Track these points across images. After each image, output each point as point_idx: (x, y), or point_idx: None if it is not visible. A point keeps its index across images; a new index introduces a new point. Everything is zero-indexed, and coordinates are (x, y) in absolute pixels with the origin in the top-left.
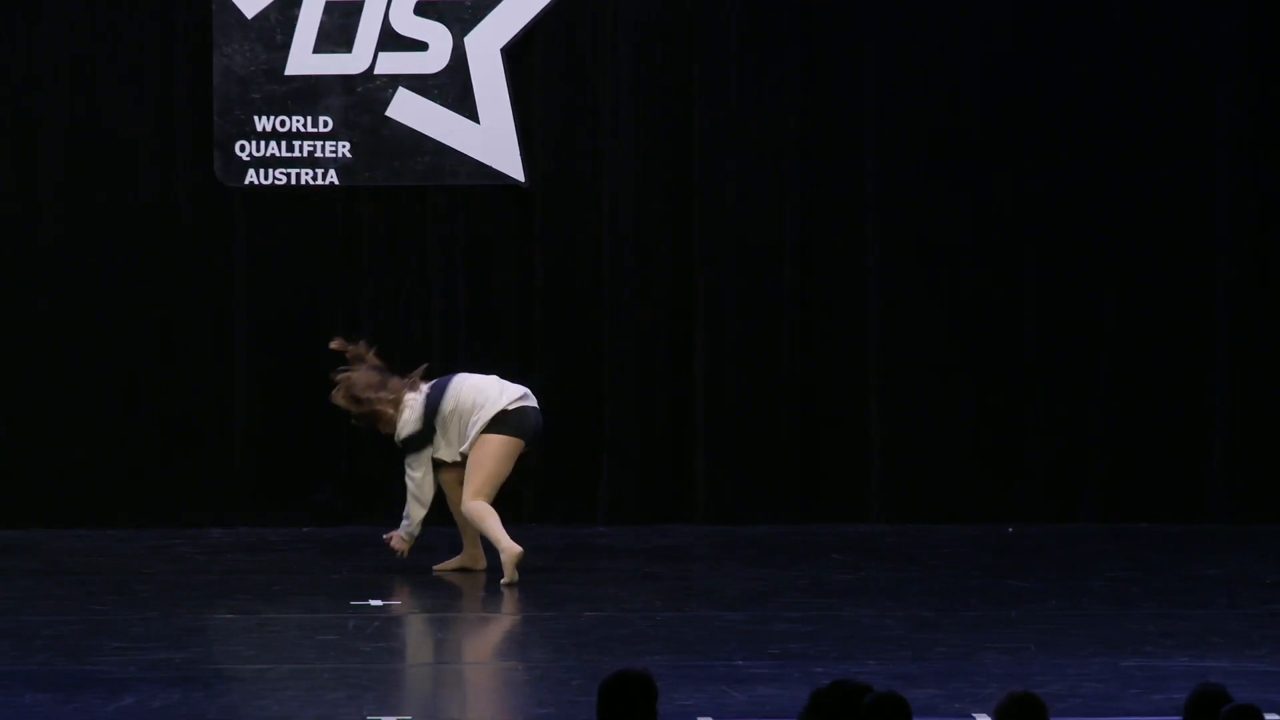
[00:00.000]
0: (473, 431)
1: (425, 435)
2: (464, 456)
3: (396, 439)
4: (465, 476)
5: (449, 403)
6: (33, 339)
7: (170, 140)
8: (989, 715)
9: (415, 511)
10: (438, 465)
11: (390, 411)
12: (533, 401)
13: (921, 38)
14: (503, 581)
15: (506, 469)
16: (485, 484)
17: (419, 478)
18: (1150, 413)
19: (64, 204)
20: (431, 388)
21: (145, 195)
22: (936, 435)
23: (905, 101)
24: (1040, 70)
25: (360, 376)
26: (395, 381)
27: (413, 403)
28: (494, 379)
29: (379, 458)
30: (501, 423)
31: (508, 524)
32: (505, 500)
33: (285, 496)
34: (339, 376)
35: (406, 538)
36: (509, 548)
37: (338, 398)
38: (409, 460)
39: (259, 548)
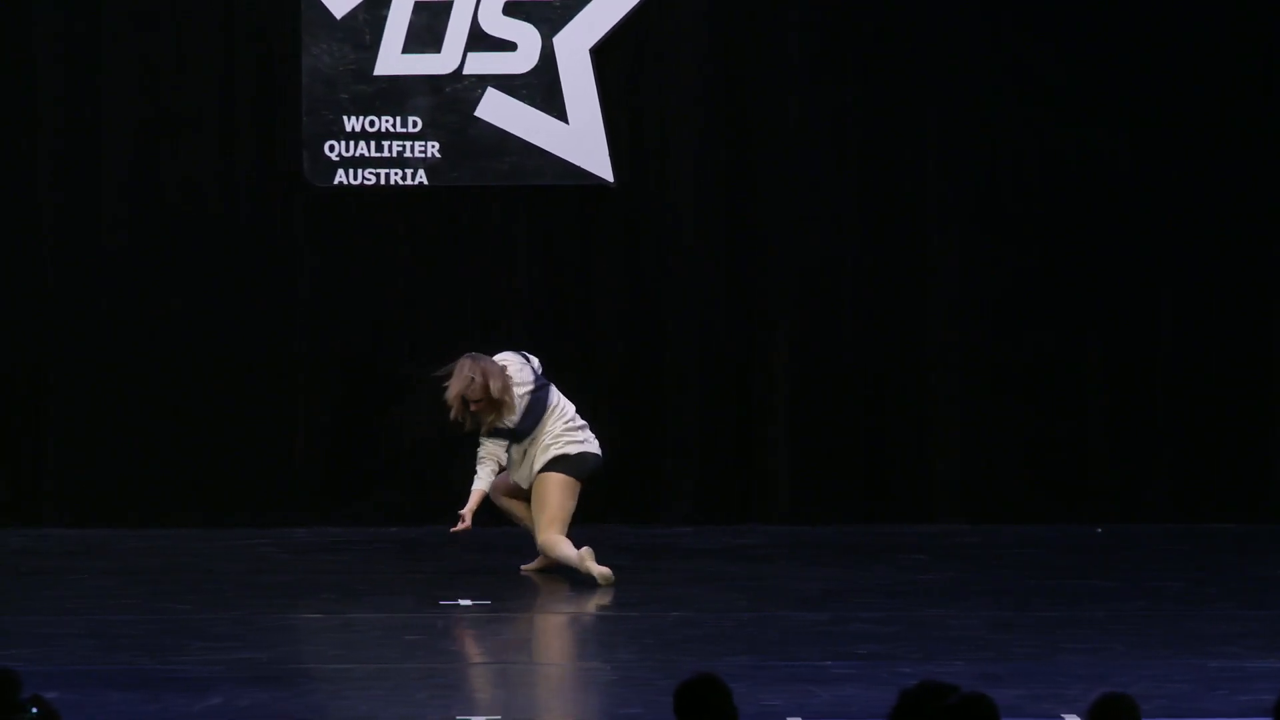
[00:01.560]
0: (537, 466)
1: (524, 432)
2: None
3: (501, 425)
4: (534, 513)
5: (550, 414)
6: (109, 340)
7: (257, 139)
8: (1077, 716)
9: (483, 474)
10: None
11: (510, 403)
12: (594, 445)
13: (984, 51)
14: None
15: (571, 504)
16: (555, 519)
17: (496, 450)
18: (1222, 412)
19: (147, 203)
20: (534, 393)
21: (230, 194)
22: (1007, 435)
23: (968, 107)
24: (1094, 79)
25: (490, 367)
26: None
27: (521, 399)
28: (571, 407)
29: (448, 453)
30: (562, 462)
31: (586, 524)
32: (588, 498)
33: (362, 495)
34: (470, 368)
35: (468, 513)
36: (597, 571)
37: (471, 388)
38: (494, 439)
39: (340, 547)
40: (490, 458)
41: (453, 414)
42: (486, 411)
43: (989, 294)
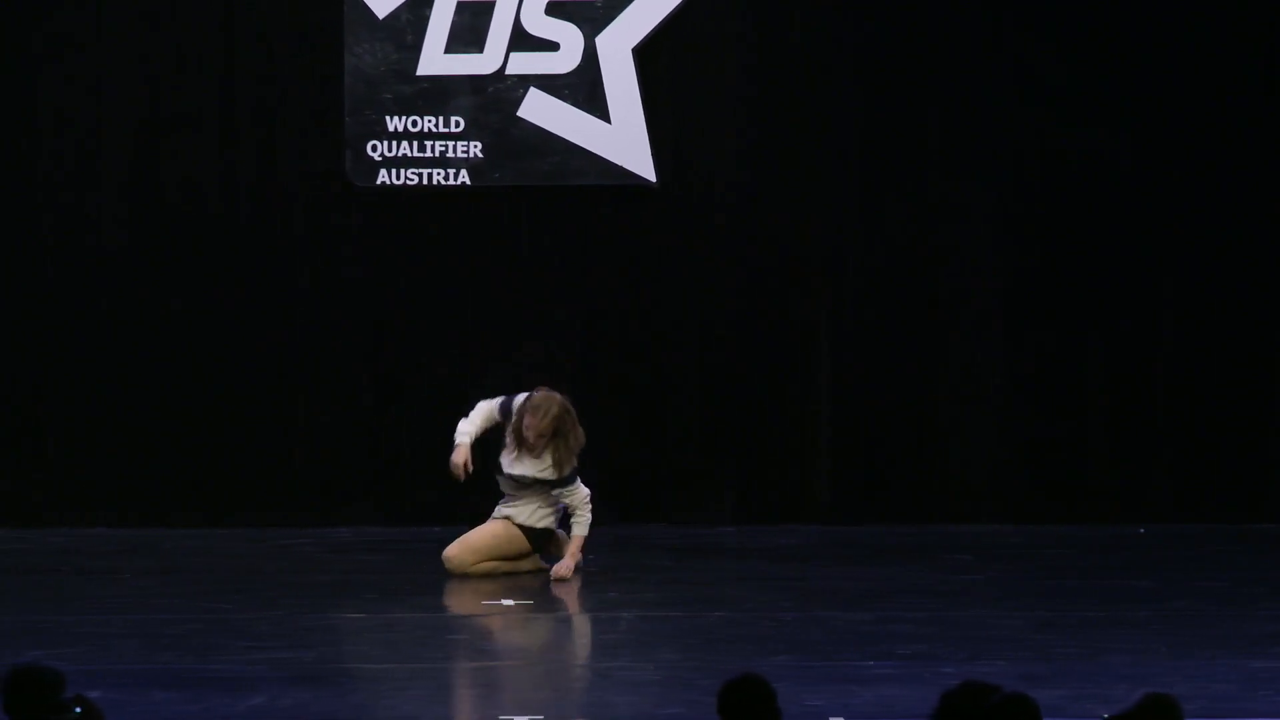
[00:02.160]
0: (529, 522)
1: (547, 486)
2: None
3: (559, 473)
4: (493, 541)
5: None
6: (154, 340)
7: (299, 139)
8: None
9: (470, 429)
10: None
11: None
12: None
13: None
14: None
15: (499, 560)
16: (484, 551)
17: (586, 493)
18: (1271, 413)
19: (190, 203)
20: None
21: (272, 194)
22: (1054, 435)
23: (1020, 107)
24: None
25: (564, 400)
26: None
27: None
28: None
29: (493, 453)
30: (544, 535)
31: (629, 524)
32: (630, 498)
33: (403, 495)
34: (552, 398)
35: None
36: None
37: (548, 416)
38: (574, 486)
39: (382, 547)
40: (480, 418)
41: (533, 437)
42: (549, 448)
43: (1035, 295)
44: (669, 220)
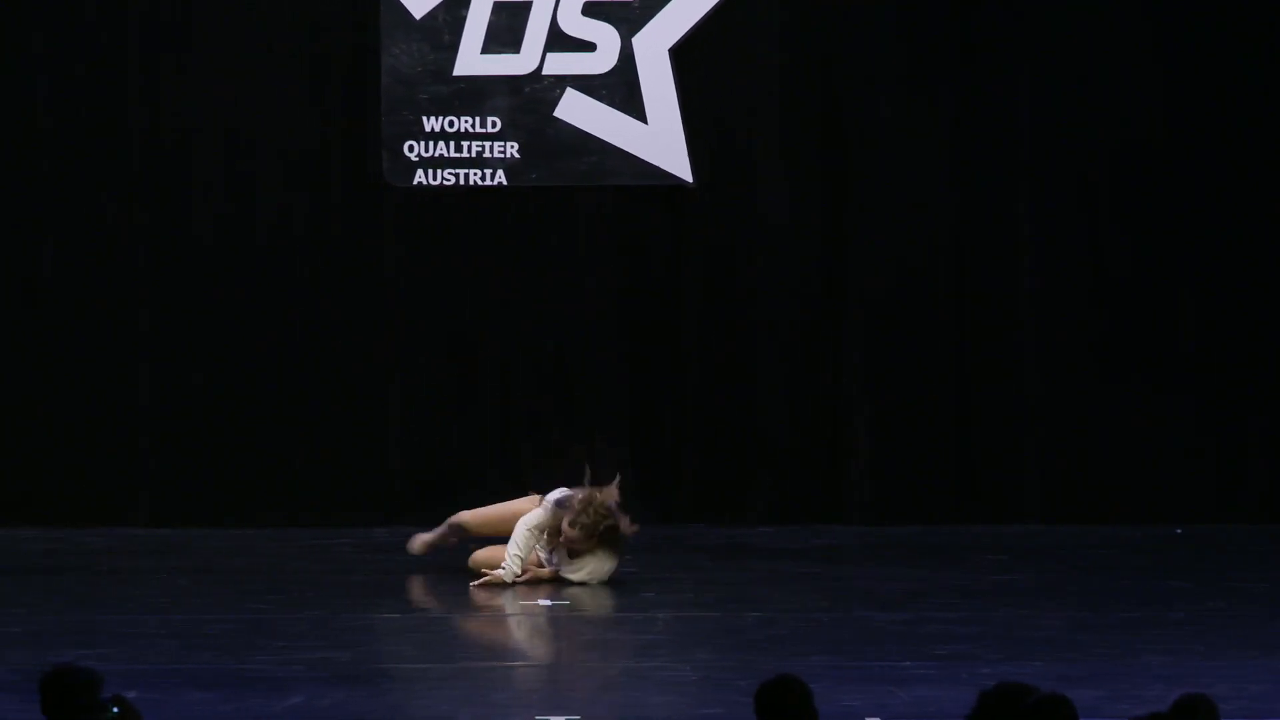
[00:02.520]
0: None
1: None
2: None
3: (596, 578)
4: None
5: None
6: (192, 341)
7: (336, 140)
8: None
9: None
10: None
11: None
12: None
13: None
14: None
15: (497, 523)
16: (487, 517)
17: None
18: None
19: (228, 206)
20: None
21: (309, 195)
22: (1092, 435)
23: (1063, 97)
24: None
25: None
26: None
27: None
28: None
29: (531, 453)
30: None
31: (667, 525)
32: (667, 499)
33: (441, 497)
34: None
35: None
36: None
37: (605, 513)
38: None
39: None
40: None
41: (579, 531)
42: (585, 543)
43: (1079, 293)
44: (705, 220)
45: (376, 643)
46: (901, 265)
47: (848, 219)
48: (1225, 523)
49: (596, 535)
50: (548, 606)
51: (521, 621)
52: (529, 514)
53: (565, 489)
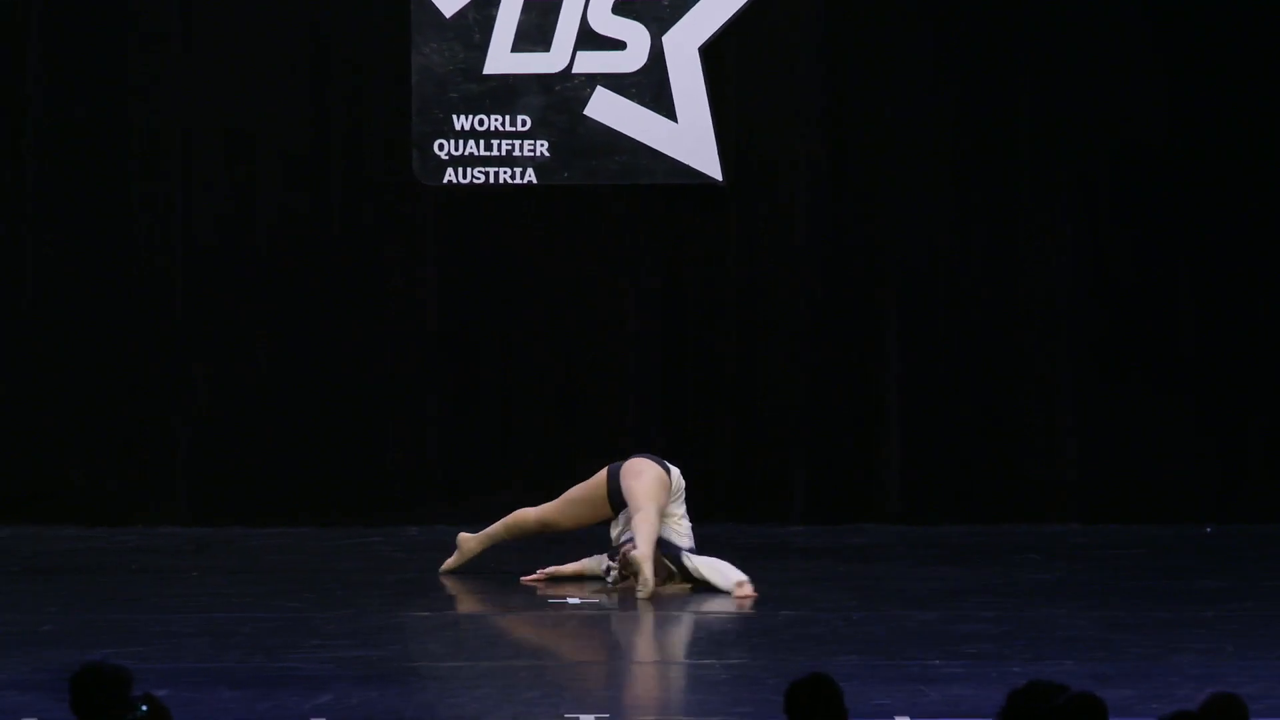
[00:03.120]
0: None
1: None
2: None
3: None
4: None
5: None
6: (228, 339)
7: (367, 139)
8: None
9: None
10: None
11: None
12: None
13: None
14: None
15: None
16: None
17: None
18: None
19: (257, 204)
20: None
21: (340, 193)
22: (1131, 435)
23: (1108, 93)
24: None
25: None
26: None
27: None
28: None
29: (566, 455)
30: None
31: (698, 522)
32: (700, 497)
33: (476, 495)
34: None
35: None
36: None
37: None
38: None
39: (452, 546)
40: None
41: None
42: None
43: (1101, 294)
44: (737, 219)
45: (408, 641)
46: (927, 266)
47: (874, 218)
48: (1260, 522)
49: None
50: (576, 605)
51: (552, 620)
52: (642, 515)
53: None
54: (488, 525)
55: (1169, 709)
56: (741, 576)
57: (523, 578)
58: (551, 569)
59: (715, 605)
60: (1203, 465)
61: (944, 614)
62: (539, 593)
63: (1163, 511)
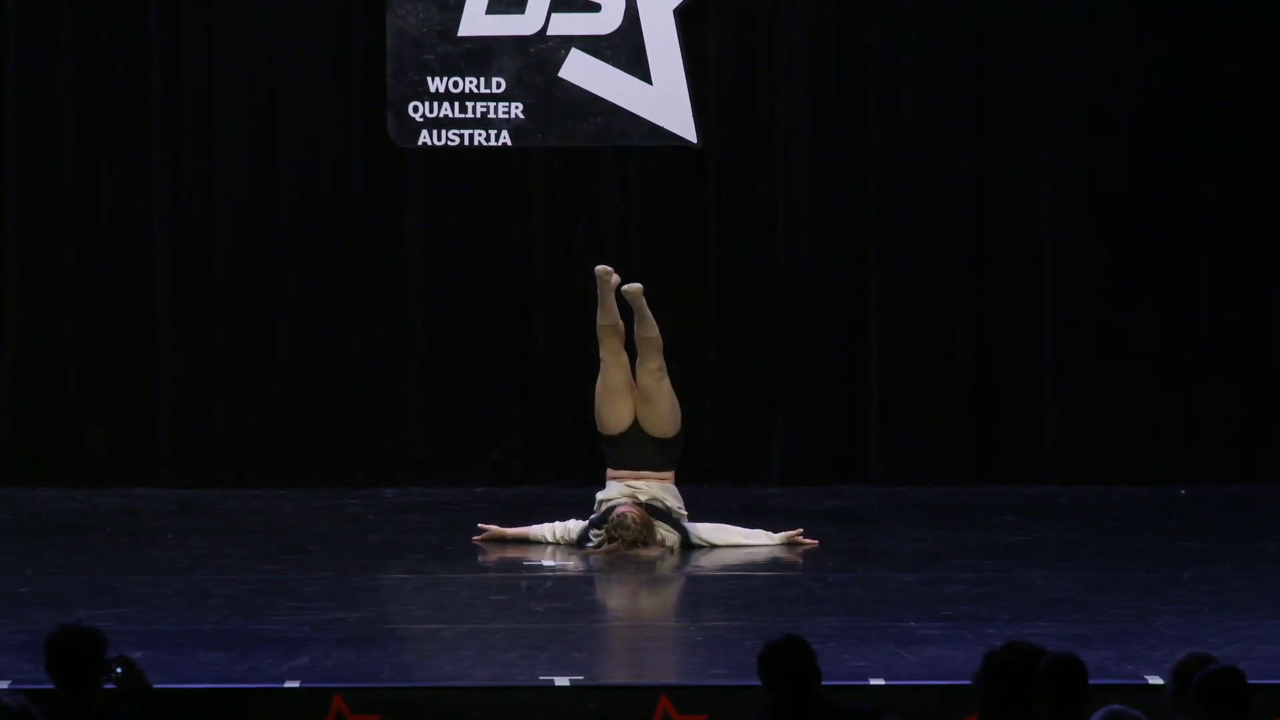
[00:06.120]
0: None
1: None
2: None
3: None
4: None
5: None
6: (209, 303)
7: (342, 101)
8: (1161, 677)
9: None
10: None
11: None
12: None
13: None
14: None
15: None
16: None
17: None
18: None
19: (236, 167)
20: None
21: (317, 157)
22: (1109, 398)
23: (1084, 65)
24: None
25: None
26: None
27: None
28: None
29: (550, 417)
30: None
31: (683, 484)
32: (681, 458)
33: (459, 456)
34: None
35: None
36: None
37: (637, 528)
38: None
39: (432, 508)
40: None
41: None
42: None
43: (1092, 259)
44: (712, 181)
45: (387, 603)
46: (921, 225)
47: (855, 180)
48: (1240, 483)
49: (629, 541)
50: (553, 568)
51: (530, 583)
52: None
53: (576, 521)
54: (470, 489)
55: (1146, 670)
56: (772, 533)
57: (474, 538)
58: (495, 529)
59: (693, 567)
60: (1179, 428)
61: (922, 575)
62: (515, 556)
63: (1140, 474)
